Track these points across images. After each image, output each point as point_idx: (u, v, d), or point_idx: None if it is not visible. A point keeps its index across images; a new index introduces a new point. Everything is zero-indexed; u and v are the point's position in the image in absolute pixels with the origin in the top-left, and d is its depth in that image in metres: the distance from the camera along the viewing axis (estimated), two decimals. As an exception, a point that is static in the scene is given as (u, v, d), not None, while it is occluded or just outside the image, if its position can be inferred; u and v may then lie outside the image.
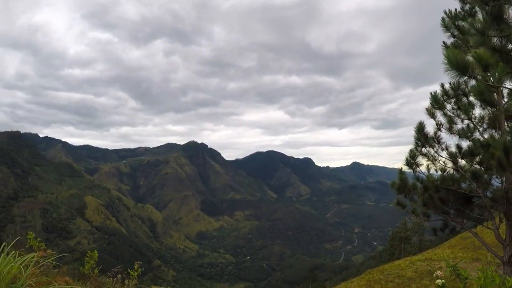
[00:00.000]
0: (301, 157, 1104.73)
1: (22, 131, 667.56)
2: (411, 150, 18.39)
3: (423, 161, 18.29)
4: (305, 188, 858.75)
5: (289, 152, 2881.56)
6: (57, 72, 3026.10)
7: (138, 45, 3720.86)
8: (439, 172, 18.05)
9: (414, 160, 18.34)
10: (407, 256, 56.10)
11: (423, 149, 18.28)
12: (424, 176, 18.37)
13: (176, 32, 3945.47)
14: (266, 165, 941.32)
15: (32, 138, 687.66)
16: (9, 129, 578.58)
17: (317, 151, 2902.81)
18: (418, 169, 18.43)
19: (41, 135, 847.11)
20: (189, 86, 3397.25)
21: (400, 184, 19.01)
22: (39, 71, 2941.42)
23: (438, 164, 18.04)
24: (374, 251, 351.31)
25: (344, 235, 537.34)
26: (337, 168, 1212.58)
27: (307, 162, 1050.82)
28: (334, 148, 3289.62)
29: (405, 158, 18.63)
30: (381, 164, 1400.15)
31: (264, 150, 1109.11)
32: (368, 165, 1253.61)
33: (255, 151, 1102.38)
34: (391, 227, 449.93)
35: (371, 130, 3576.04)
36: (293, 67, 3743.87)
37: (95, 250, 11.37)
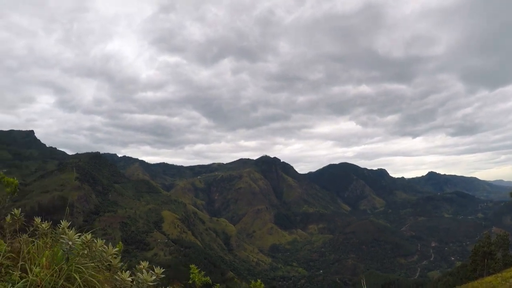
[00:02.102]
0: (374, 168, 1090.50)
1: (102, 151, 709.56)
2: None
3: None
4: (380, 200, 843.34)
5: (362, 163, 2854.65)
6: (131, 96, 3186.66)
7: (206, 65, 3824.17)
8: None
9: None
10: (490, 272, 54.83)
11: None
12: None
13: (242, 50, 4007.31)
14: (339, 177, 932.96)
15: (111, 158, 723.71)
16: (89, 150, 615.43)
17: (391, 161, 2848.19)
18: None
19: (119, 155, 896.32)
20: (258, 101, 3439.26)
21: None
22: (115, 96, 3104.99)
23: None
24: (452, 267, 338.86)
25: (420, 250, 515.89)
26: (412, 178, 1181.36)
27: (381, 173, 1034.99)
28: (408, 158, 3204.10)
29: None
30: (458, 173, 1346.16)
31: (337, 162, 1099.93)
32: (444, 174, 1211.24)
33: (327, 164, 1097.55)
34: (471, 242, 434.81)
35: (446, 137, 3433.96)
36: (362, 76, 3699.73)
37: (259, 280, 12.24)
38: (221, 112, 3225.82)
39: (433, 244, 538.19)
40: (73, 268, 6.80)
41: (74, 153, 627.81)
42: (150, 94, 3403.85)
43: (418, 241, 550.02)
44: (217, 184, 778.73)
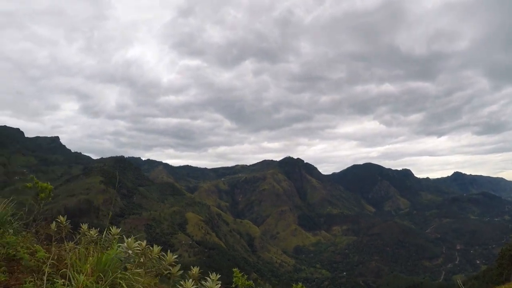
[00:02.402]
0: (399, 168, 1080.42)
1: (126, 155, 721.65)
2: None
3: None
4: (404, 201, 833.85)
5: (386, 163, 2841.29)
6: (153, 100, 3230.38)
7: (227, 68, 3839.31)
8: None
9: None
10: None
11: None
12: None
13: (263, 51, 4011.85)
14: (363, 178, 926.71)
15: (135, 161, 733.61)
16: (114, 155, 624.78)
17: (416, 161, 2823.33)
18: None
19: (143, 158, 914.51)
20: (281, 102, 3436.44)
21: None
22: (137, 101, 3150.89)
23: None
24: (477, 270, 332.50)
25: (445, 252, 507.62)
26: (437, 179, 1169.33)
27: (406, 173, 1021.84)
28: (433, 157, 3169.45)
29: None
30: (484, 174, 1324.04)
31: (361, 162, 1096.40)
32: (470, 175, 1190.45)
33: (351, 164, 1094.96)
34: (497, 245, 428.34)
35: (472, 136, 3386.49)
36: (384, 75, 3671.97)
37: (300, 283, 12.29)
38: (243, 114, 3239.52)
39: (458, 247, 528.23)
40: (119, 275, 6.43)
41: (98, 158, 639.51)
42: (172, 98, 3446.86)
43: (443, 243, 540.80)
44: (241, 185, 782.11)
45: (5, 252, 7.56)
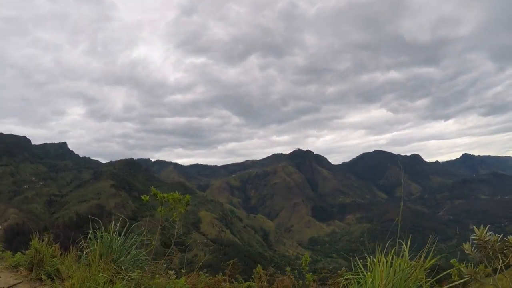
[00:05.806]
0: (408, 154, 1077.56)
1: (135, 157, 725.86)
2: None
3: None
4: (416, 186, 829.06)
5: (396, 150, 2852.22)
6: (161, 100, 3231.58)
7: (233, 64, 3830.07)
8: None
9: None
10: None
11: None
12: None
13: (268, 45, 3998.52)
14: (374, 166, 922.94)
15: (145, 163, 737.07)
16: (123, 157, 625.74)
17: (425, 146, 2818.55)
18: None
19: (153, 159, 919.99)
20: (288, 96, 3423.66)
21: None
22: (144, 102, 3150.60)
23: None
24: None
25: (458, 233, 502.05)
26: (446, 162, 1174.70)
27: (415, 158, 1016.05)
28: (441, 141, 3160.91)
29: None
30: (492, 154, 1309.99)
31: (370, 150, 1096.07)
32: (479, 155, 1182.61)
33: (361, 153, 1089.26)
34: (509, 222, 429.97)
35: (478, 118, 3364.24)
36: (390, 63, 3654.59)
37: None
38: (251, 109, 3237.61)
39: (471, 227, 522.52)
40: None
41: (108, 161, 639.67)
42: (179, 97, 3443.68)
43: (456, 224, 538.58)
44: (252, 181, 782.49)
45: None
